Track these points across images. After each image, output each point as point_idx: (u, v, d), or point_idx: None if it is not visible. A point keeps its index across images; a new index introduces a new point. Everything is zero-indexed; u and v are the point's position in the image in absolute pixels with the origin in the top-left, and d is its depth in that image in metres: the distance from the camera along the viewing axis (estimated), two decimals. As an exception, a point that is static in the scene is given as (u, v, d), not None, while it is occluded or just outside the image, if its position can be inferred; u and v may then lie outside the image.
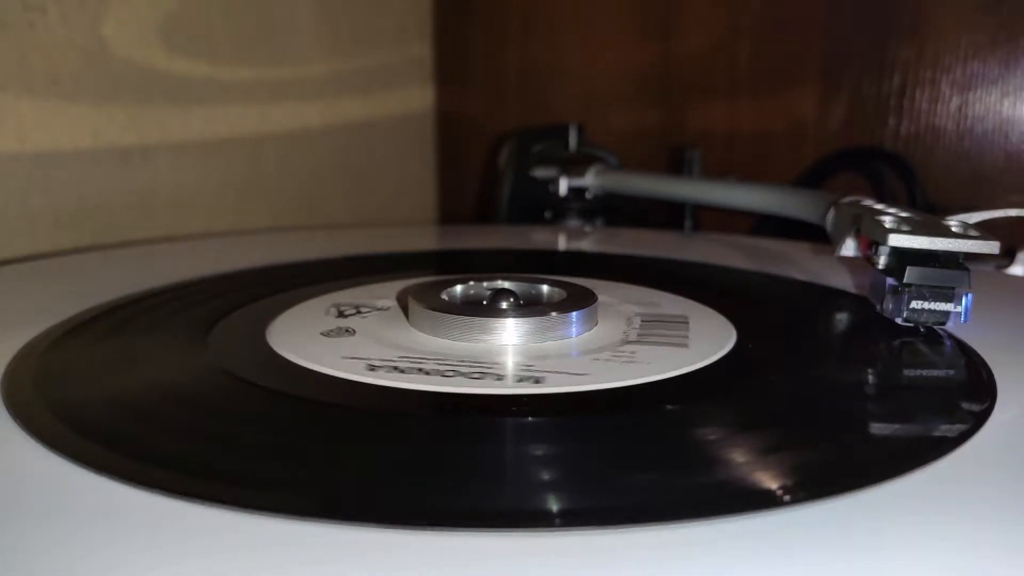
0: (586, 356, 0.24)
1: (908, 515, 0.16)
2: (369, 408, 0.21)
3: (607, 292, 0.31)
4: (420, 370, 0.23)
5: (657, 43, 0.61)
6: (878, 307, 0.28)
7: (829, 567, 0.14)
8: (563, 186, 0.53)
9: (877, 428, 0.20)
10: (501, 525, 0.15)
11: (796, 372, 0.24)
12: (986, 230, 0.27)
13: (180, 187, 0.53)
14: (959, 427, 0.20)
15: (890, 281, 0.27)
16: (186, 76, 0.52)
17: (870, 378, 0.24)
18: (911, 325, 0.27)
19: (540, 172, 0.55)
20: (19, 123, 0.45)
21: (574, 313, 0.26)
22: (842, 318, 0.31)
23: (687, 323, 0.28)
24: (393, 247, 0.44)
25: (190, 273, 0.35)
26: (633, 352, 0.24)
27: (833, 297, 0.33)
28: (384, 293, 0.31)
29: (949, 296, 0.26)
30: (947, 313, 0.26)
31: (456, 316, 0.25)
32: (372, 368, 0.23)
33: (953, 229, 0.27)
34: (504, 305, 0.27)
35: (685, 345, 0.25)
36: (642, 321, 0.28)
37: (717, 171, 0.55)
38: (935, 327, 0.27)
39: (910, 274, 0.26)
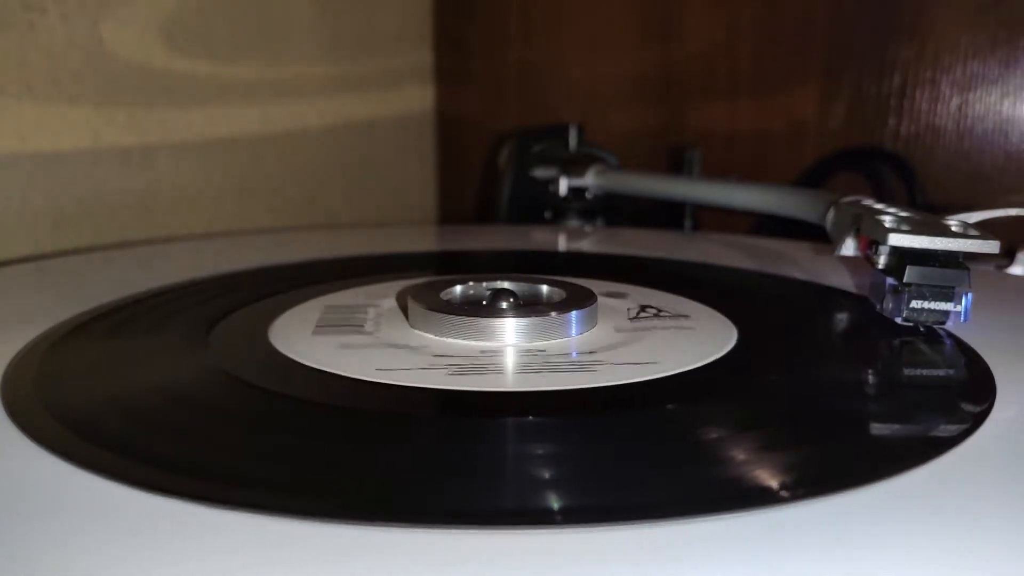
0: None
1: (908, 513, 0.16)
2: (369, 408, 0.21)
3: (607, 292, 0.31)
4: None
5: (657, 43, 0.61)
6: (878, 307, 0.28)
7: (829, 565, 0.14)
8: (563, 186, 0.53)
9: (877, 427, 0.20)
10: (500, 523, 0.15)
11: (796, 371, 0.24)
12: (986, 230, 0.27)
13: (180, 187, 0.53)
14: (959, 426, 0.20)
15: (890, 281, 0.27)
16: (186, 76, 0.52)
17: (870, 377, 0.24)
18: (911, 324, 0.27)
19: (540, 172, 0.55)
20: (19, 123, 0.45)
21: (574, 313, 0.26)
22: (842, 318, 0.31)
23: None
24: (393, 247, 0.44)
25: (190, 273, 0.35)
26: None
27: (833, 297, 0.33)
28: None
29: (949, 295, 0.26)
30: (947, 312, 0.26)
31: (456, 316, 0.25)
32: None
33: (953, 229, 0.27)
34: (504, 305, 0.27)
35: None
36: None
37: (717, 171, 0.55)
38: (935, 326, 0.27)
39: (910, 273, 0.26)
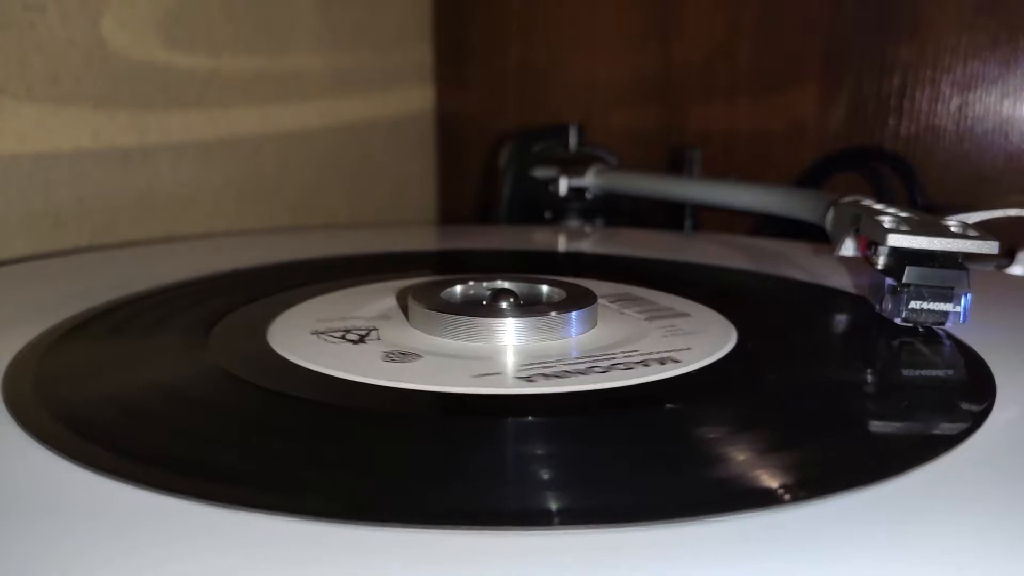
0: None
1: (908, 514, 0.16)
2: (369, 408, 0.21)
3: (607, 292, 0.31)
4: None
5: (657, 43, 0.61)
6: (877, 307, 0.28)
7: (829, 565, 0.14)
8: (563, 186, 0.53)
9: (876, 427, 0.20)
10: (501, 524, 0.15)
11: (796, 372, 0.24)
12: (986, 230, 0.27)
13: (180, 187, 0.53)
14: (958, 427, 0.20)
15: (889, 281, 0.27)
16: (186, 76, 0.52)
17: (869, 378, 0.24)
18: (910, 325, 0.27)
19: (540, 172, 0.55)
20: (19, 123, 0.45)
21: (574, 313, 0.26)
22: (842, 318, 0.31)
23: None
24: (393, 247, 0.44)
25: (190, 273, 0.35)
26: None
27: (833, 297, 0.33)
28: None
29: (948, 296, 0.26)
30: (946, 313, 0.26)
31: (456, 316, 0.25)
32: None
33: (952, 229, 0.27)
34: (504, 305, 0.27)
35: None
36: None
37: (717, 171, 0.55)
38: (934, 327, 0.27)
39: (909, 274, 0.26)
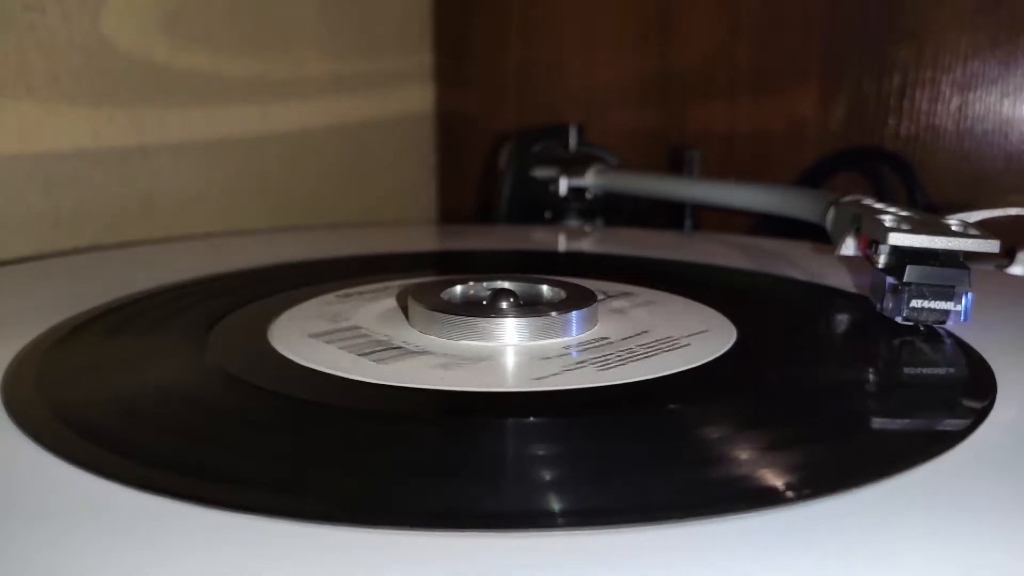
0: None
1: (908, 513, 0.16)
2: (369, 408, 0.21)
3: (607, 292, 0.31)
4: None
5: (657, 43, 0.61)
6: (878, 306, 0.28)
7: (829, 565, 0.14)
8: (563, 186, 0.53)
9: (877, 426, 0.20)
10: (500, 525, 0.15)
11: (796, 371, 0.24)
12: (986, 229, 0.27)
13: (180, 187, 0.53)
14: (959, 425, 0.20)
15: (890, 280, 0.27)
16: (187, 76, 0.52)
17: (870, 377, 0.24)
18: (911, 324, 0.27)
19: (540, 172, 0.55)
20: (19, 123, 0.45)
21: (574, 313, 0.26)
22: (842, 317, 0.31)
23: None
24: (393, 247, 0.44)
25: (190, 273, 0.35)
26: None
27: (833, 296, 0.33)
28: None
29: (949, 295, 0.26)
30: (947, 312, 0.26)
31: (456, 316, 0.25)
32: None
33: (953, 228, 0.27)
34: (504, 305, 0.27)
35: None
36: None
37: (717, 171, 0.55)
38: (935, 326, 0.27)
39: (910, 273, 0.26)
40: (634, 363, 0.23)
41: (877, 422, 0.21)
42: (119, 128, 0.49)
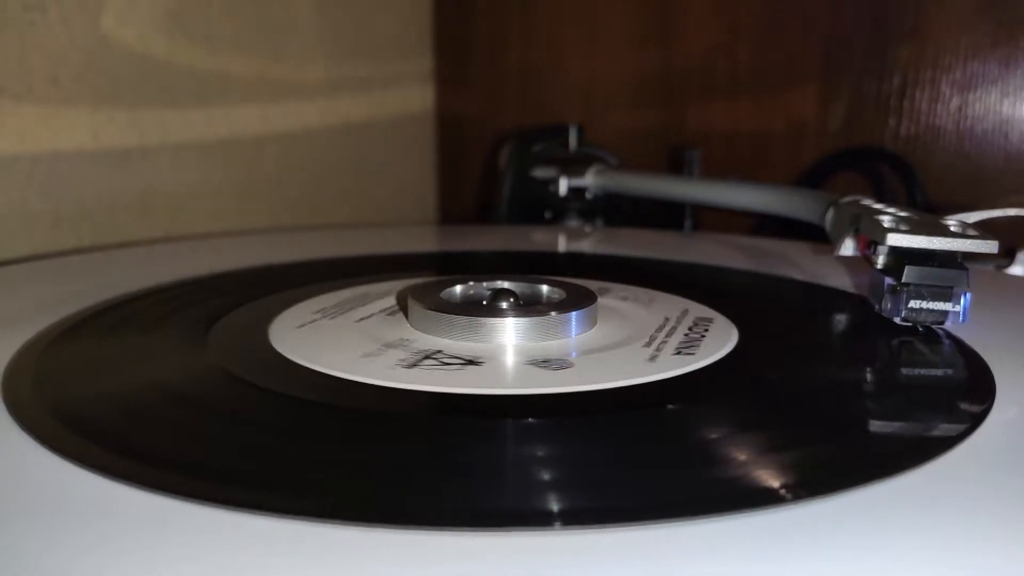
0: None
1: (907, 514, 0.16)
2: (369, 408, 0.21)
3: (607, 292, 0.31)
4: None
5: (657, 43, 0.61)
6: (877, 306, 0.28)
7: (828, 566, 0.14)
8: (563, 186, 0.53)
9: (876, 427, 0.20)
10: (501, 525, 0.15)
11: (796, 371, 0.24)
12: (985, 230, 0.27)
13: (180, 187, 0.53)
14: (958, 426, 0.20)
15: (889, 280, 0.27)
16: (186, 76, 0.52)
17: (869, 377, 0.24)
18: (910, 324, 0.27)
19: (540, 172, 0.55)
20: (19, 123, 0.45)
21: (574, 313, 0.26)
22: (841, 318, 0.31)
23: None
24: (393, 247, 0.44)
25: (190, 273, 0.35)
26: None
27: (833, 297, 0.33)
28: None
29: (948, 295, 0.26)
30: (946, 312, 0.26)
31: (456, 316, 0.25)
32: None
33: (952, 228, 0.27)
34: (504, 305, 0.27)
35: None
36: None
37: (717, 171, 0.55)
38: (934, 326, 0.27)
39: (908, 273, 0.26)
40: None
41: (876, 423, 0.21)
42: (119, 128, 0.49)
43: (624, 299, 0.31)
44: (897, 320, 0.27)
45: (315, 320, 0.28)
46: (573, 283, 0.29)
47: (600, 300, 0.28)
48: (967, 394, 0.22)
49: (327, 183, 0.63)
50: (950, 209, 0.33)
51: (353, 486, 0.17)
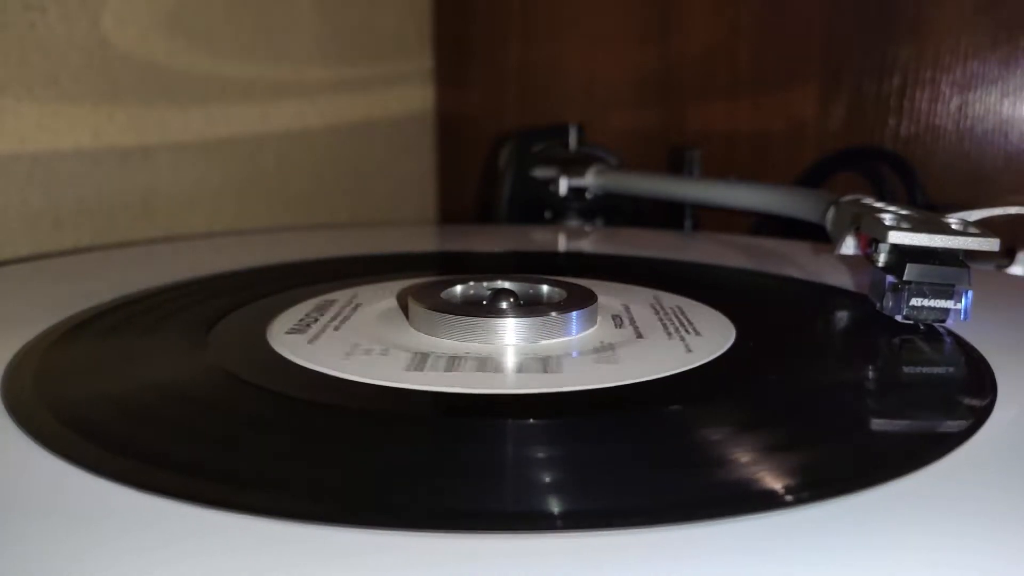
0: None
1: (909, 514, 0.16)
2: (369, 408, 0.21)
3: (607, 292, 0.31)
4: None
5: (657, 43, 0.61)
6: (878, 305, 0.28)
7: (829, 567, 0.14)
8: (563, 186, 0.53)
9: (877, 426, 0.20)
10: (501, 526, 0.15)
11: (796, 371, 0.24)
12: (986, 228, 0.27)
13: (180, 187, 0.53)
14: (960, 425, 0.20)
15: (890, 279, 0.27)
16: (186, 76, 0.52)
17: (870, 376, 0.24)
18: (911, 323, 0.27)
19: (540, 172, 0.55)
20: (19, 123, 0.45)
21: (574, 313, 0.26)
22: (842, 316, 0.31)
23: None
24: (393, 247, 0.44)
25: (190, 273, 0.35)
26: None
27: (833, 296, 0.33)
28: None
29: (949, 293, 0.26)
30: (947, 310, 0.26)
31: (456, 316, 0.25)
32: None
33: (953, 227, 0.27)
34: (504, 305, 0.27)
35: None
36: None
37: (717, 171, 0.55)
38: (935, 324, 0.27)
39: (910, 271, 0.26)
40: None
41: (877, 423, 0.20)
42: (119, 128, 0.49)
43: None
44: (898, 318, 0.27)
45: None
46: (573, 283, 0.29)
47: (600, 299, 0.28)
48: (969, 393, 0.22)
49: (327, 183, 0.63)
50: (950, 209, 0.33)
51: (353, 487, 0.17)
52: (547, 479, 0.17)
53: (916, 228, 0.27)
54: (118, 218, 0.50)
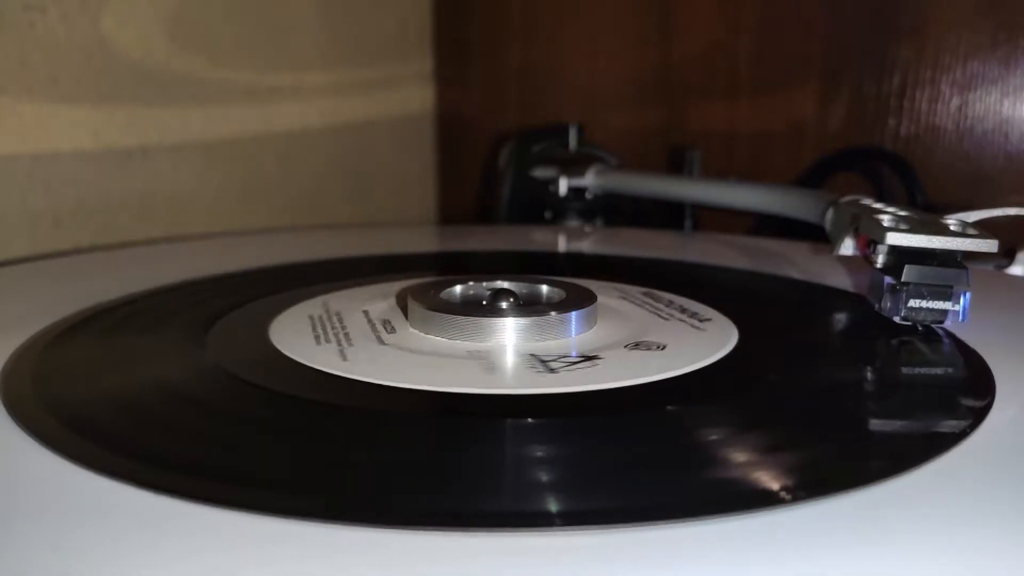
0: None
1: (907, 514, 0.16)
2: (369, 408, 0.21)
3: (606, 292, 0.31)
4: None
5: (657, 43, 0.61)
6: (876, 306, 0.28)
7: (829, 567, 0.14)
8: (563, 186, 0.53)
9: (876, 427, 0.20)
10: (500, 525, 0.15)
11: (796, 371, 0.24)
12: (985, 229, 0.27)
13: (180, 187, 0.53)
14: (958, 426, 0.20)
15: (888, 280, 0.27)
16: (186, 76, 0.52)
17: (869, 377, 0.24)
18: (909, 324, 0.27)
19: (540, 172, 0.55)
20: (19, 123, 0.45)
21: (573, 313, 0.26)
22: (841, 317, 0.31)
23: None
24: (393, 247, 0.44)
25: (190, 273, 0.35)
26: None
27: (832, 296, 0.33)
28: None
29: (947, 295, 0.26)
30: (945, 312, 0.26)
31: (456, 316, 0.25)
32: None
33: (951, 228, 0.27)
34: (504, 305, 0.27)
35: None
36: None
37: (717, 171, 0.55)
38: (933, 326, 0.27)
39: (908, 272, 0.26)
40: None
41: (875, 423, 0.21)
42: (119, 128, 0.49)
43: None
44: (897, 319, 0.27)
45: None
46: (573, 283, 0.29)
47: (600, 300, 0.28)
48: (967, 393, 0.22)
49: (327, 183, 0.63)
50: (950, 209, 0.33)
51: (353, 486, 0.17)
52: (545, 479, 0.17)
53: (914, 229, 0.27)
54: (118, 218, 0.50)
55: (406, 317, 0.27)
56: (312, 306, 0.29)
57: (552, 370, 0.23)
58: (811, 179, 0.53)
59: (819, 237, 0.38)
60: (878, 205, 0.32)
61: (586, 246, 0.49)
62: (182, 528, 0.15)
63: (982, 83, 0.50)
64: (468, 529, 0.15)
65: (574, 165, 0.53)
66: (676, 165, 0.55)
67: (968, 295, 0.26)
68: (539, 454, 0.18)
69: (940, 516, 0.16)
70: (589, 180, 0.52)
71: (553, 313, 0.26)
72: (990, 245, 0.26)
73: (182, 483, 0.16)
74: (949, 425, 0.20)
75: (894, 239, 0.26)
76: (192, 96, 0.53)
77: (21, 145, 0.45)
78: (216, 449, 0.18)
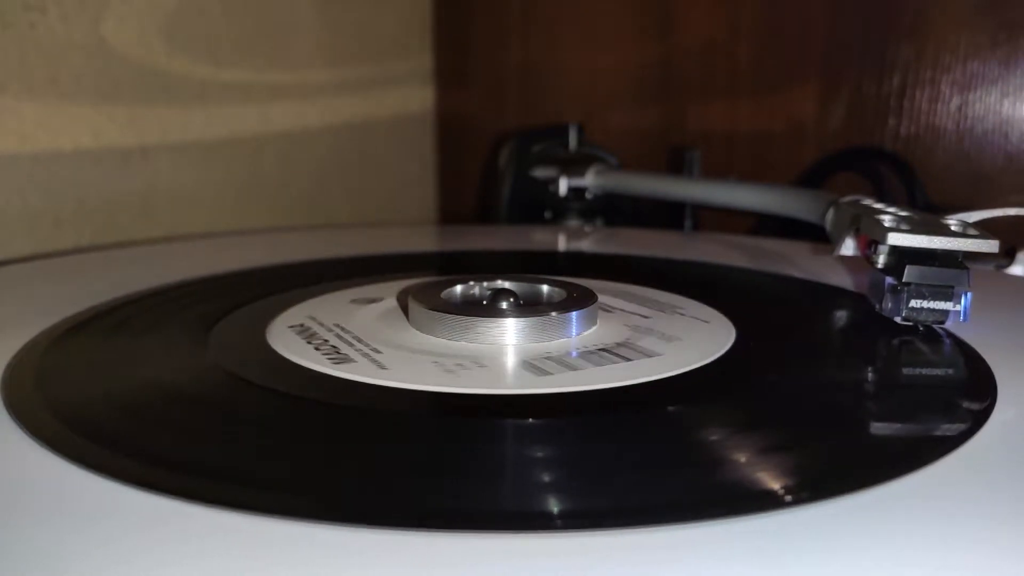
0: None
1: (908, 515, 0.16)
2: (369, 408, 0.21)
3: (607, 292, 0.31)
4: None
5: (657, 43, 0.61)
6: (877, 306, 0.28)
7: (829, 568, 0.14)
8: (563, 186, 0.53)
9: (877, 428, 0.20)
10: (500, 526, 0.15)
11: (796, 371, 0.24)
12: (985, 229, 0.27)
13: (180, 187, 0.53)
14: (959, 427, 0.20)
15: (889, 280, 0.27)
16: (186, 76, 0.52)
17: (870, 377, 0.24)
18: (910, 324, 0.27)
19: (540, 172, 0.55)
20: (19, 123, 0.45)
21: (574, 313, 0.26)
22: (841, 317, 0.31)
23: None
24: (393, 247, 0.44)
25: (190, 273, 0.35)
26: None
27: (832, 296, 0.33)
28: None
29: (948, 295, 0.26)
30: (946, 312, 0.26)
31: (456, 316, 0.25)
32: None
33: (952, 228, 0.27)
34: (504, 305, 0.27)
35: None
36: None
37: (717, 171, 0.55)
38: (934, 326, 0.27)
39: (909, 273, 0.26)
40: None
41: (876, 424, 0.20)
42: (119, 128, 0.49)
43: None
44: (898, 320, 0.27)
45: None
46: (573, 283, 0.29)
47: (600, 299, 0.28)
48: (968, 394, 0.22)
49: (327, 183, 0.63)
50: (950, 209, 0.33)
51: (353, 486, 0.17)
52: (546, 479, 0.17)
53: (915, 229, 0.27)
54: (118, 218, 0.50)
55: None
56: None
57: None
58: (811, 179, 0.53)
59: (819, 237, 0.38)
60: (879, 205, 0.32)
61: (586, 246, 0.49)
62: (182, 528, 0.15)
63: (982, 83, 0.50)
64: (468, 530, 0.15)
65: (574, 165, 0.53)
66: (676, 165, 0.55)
67: (969, 295, 0.26)
68: (538, 455, 0.18)
69: (940, 518, 0.16)
70: (589, 180, 0.52)
71: (554, 313, 0.26)
72: (991, 245, 0.26)
73: (182, 483, 0.16)
74: (950, 427, 0.20)
75: (895, 239, 0.26)
76: (192, 96, 0.53)
77: (21, 145, 0.45)
78: (216, 449, 0.18)
